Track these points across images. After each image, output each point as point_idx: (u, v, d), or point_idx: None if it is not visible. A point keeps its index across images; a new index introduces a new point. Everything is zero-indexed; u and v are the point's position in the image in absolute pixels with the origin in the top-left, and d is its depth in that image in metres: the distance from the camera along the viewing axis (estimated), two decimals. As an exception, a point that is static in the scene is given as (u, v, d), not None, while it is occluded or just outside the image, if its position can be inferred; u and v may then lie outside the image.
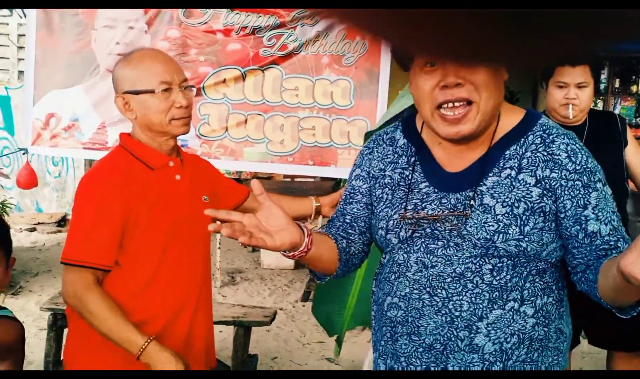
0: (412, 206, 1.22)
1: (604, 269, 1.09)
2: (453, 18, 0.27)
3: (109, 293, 1.50)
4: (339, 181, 5.51)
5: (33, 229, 6.74)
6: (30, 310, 4.20)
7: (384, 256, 1.31)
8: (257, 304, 4.47)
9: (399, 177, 1.27)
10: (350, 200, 1.36)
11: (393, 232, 1.23)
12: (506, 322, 1.15)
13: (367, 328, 3.49)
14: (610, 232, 1.14)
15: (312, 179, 6.15)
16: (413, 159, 1.26)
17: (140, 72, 1.56)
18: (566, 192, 1.14)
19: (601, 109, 6.22)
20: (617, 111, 6.23)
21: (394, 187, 1.27)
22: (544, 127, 1.19)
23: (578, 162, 1.14)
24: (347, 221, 1.36)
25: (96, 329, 1.46)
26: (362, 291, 2.51)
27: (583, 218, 1.13)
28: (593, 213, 1.13)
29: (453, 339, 1.16)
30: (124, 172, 1.55)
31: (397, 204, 1.24)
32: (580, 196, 1.14)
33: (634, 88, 6.18)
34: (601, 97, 6.21)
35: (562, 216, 1.15)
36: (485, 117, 1.13)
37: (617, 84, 6.20)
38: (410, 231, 1.20)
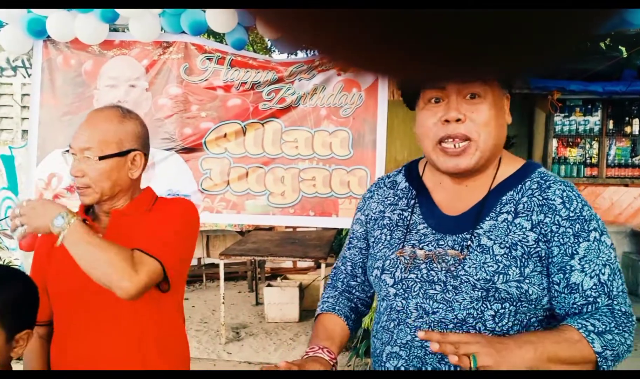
0: (410, 245, 1.22)
1: None
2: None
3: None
4: (340, 231, 5.54)
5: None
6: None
7: (380, 303, 1.29)
8: (263, 360, 4.40)
9: (398, 218, 1.28)
10: (349, 245, 1.42)
11: (388, 273, 1.23)
12: None
13: None
14: (593, 287, 1.11)
15: (313, 229, 6.16)
16: (413, 201, 1.28)
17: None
18: (556, 238, 1.12)
19: (596, 150, 6.29)
20: (612, 152, 6.30)
21: (392, 228, 1.28)
22: (542, 174, 1.19)
23: (572, 209, 1.12)
24: (349, 269, 1.41)
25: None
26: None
27: (568, 268, 1.11)
28: (579, 264, 1.11)
29: None
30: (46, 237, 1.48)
31: (395, 244, 1.25)
32: (570, 244, 1.11)
33: (627, 129, 6.26)
34: (596, 139, 6.28)
35: (549, 261, 1.13)
36: (483, 154, 1.15)
37: (611, 126, 6.28)
38: (407, 272, 1.20)
